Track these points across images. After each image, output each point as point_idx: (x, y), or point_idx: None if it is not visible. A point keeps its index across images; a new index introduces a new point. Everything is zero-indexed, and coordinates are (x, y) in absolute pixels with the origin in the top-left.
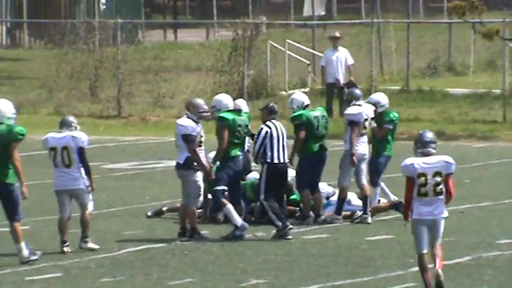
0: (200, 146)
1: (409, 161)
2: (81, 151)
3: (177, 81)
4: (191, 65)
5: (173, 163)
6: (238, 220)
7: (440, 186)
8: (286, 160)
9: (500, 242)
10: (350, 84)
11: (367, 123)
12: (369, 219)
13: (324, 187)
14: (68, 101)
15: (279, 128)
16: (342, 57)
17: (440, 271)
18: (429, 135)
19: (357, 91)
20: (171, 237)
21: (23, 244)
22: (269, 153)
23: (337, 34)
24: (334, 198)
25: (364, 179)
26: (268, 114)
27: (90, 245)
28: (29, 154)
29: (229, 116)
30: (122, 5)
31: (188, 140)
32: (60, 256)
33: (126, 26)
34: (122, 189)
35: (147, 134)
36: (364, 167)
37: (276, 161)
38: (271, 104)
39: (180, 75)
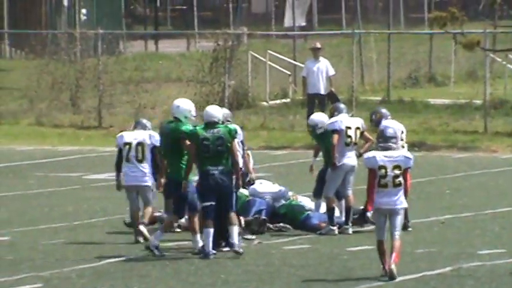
0: None
1: (371, 154)
2: (154, 149)
3: (158, 92)
4: (172, 75)
5: None
6: (209, 247)
7: (399, 179)
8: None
9: (481, 252)
10: (331, 95)
11: (351, 133)
12: (350, 230)
13: (307, 203)
14: (49, 112)
15: None
16: (323, 68)
17: (393, 266)
18: (390, 131)
19: (341, 105)
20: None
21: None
22: None
23: (318, 45)
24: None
25: (350, 190)
26: None
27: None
28: (9, 165)
29: (194, 129)
30: (102, 16)
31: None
32: (41, 267)
33: (107, 36)
34: (103, 199)
35: None
36: (352, 178)
37: None
38: None
39: (161, 86)
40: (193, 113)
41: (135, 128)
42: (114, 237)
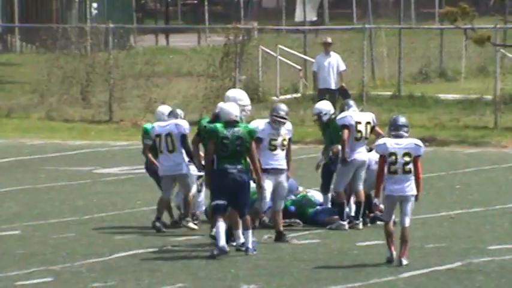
0: (275, 149)
1: (382, 140)
2: (183, 138)
3: (168, 86)
4: (183, 70)
5: None
6: (222, 242)
7: (409, 166)
8: None
9: (491, 247)
10: (342, 91)
11: (361, 127)
12: (360, 225)
13: (318, 197)
14: (59, 106)
15: None
16: (333, 63)
17: (404, 260)
18: (402, 119)
19: (351, 101)
20: (163, 242)
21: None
22: None
23: (329, 40)
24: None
25: (361, 185)
26: None
27: (191, 224)
28: (19, 159)
29: (214, 126)
30: (113, 10)
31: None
32: (51, 261)
33: (118, 31)
34: (113, 194)
35: (139, 139)
36: (363, 173)
37: None
38: None
39: (171, 80)
40: (244, 102)
41: (168, 117)
42: (125, 231)
